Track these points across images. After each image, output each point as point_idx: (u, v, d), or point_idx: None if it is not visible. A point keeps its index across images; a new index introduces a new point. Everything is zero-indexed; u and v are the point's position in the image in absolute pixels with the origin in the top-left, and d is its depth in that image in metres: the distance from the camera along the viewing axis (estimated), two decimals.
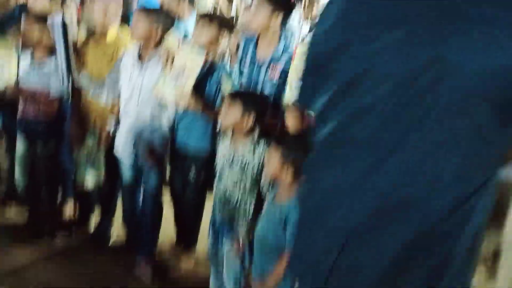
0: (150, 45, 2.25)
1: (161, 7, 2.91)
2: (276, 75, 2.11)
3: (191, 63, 2.07)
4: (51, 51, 2.39)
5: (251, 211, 1.99)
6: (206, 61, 2.14)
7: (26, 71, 2.40)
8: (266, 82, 2.13)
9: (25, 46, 2.40)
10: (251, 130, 1.94)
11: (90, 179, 2.56)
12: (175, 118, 2.34)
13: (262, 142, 1.94)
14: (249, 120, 1.91)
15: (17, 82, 2.38)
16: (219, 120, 1.99)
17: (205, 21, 2.28)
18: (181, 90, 2.09)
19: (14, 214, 2.81)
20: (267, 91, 2.13)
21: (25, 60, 2.42)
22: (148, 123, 2.30)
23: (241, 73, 2.23)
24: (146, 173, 2.39)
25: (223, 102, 1.99)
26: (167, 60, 2.13)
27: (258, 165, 1.92)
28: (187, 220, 2.58)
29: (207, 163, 2.34)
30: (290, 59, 2.09)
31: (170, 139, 2.37)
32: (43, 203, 2.59)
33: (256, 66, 2.16)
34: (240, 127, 1.93)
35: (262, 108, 1.96)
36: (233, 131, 1.99)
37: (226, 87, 2.20)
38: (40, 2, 2.53)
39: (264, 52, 2.14)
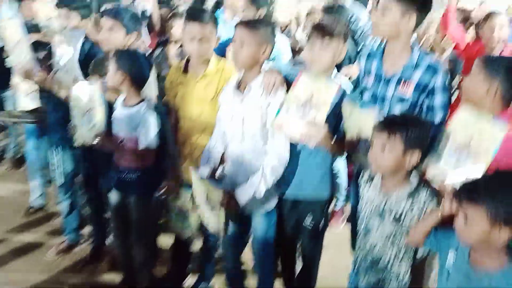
0: (254, 72, 1.86)
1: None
2: (409, 90, 1.73)
3: (321, 93, 1.66)
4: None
5: (407, 275, 1.60)
6: (338, 90, 1.69)
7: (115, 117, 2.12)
8: (395, 99, 1.76)
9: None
10: (410, 171, 1.53)
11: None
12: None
13: (423, 188, 1.52)
14: (412, 159, 1.49)
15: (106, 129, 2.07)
16: (369, 161, 1.56)
17: (320, 35, 1.80)
18: (312, 124, 1.65)
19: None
20: (396, 110, 1.75)
21: (115, 105, 2.14)
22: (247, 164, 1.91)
23: (363, 90, 1.88)
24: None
25: (372, 134, 1.56)
26: (273, 87, 1.78)
27: (418, 217, 1.51)
28: (304, 276, 2.17)
29: (327, 207, 2.00)
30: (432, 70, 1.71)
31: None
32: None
33: (382, 80, 1.80)
34: (398, 168, 1.52)
35: (425, 139, 1.51)
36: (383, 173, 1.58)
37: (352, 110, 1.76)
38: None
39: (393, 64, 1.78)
